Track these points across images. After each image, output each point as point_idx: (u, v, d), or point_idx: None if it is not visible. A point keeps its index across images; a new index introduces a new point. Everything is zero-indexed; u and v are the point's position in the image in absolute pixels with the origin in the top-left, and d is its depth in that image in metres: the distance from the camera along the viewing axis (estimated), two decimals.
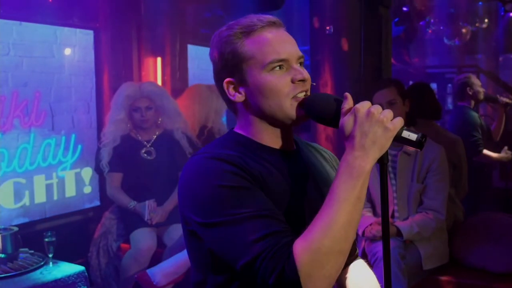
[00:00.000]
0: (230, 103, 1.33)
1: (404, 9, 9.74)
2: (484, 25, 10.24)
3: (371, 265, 2.71)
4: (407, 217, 2.86)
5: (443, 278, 2.85)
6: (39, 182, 3.66)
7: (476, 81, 4.62)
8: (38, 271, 2.87)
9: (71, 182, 3.86)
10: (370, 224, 2.83)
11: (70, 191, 3.86)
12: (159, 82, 4.36)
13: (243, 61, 1.27)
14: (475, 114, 4.52)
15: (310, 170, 1.37)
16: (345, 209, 1.10)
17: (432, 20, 10.38)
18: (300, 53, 1.30)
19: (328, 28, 3.02)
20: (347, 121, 1.16)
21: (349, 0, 3.14)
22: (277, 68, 1.26)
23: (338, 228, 1.09)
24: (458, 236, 3.11)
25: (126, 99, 3.47)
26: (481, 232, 3.05)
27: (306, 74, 1.28)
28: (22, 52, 3.51)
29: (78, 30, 3.87)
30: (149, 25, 4.28)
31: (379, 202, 2.98)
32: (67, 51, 3.83)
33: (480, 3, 9.96)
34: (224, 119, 4.23)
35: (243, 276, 1.16)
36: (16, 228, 3.05)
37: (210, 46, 1.34)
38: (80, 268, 2.99)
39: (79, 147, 3.90)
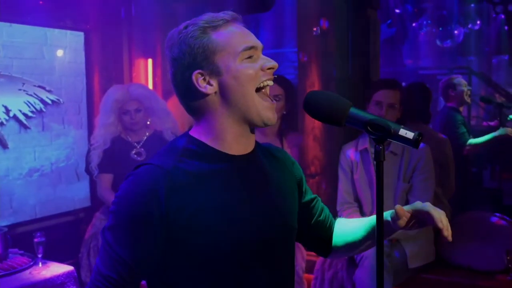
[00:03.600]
0: (193, 100, 1.32)
1: (397, 11, 9.81)
2: (477, 27, 10.32)
3: (357, 264, 2.74)
4: None
5: (429, 276, 2.89)
6: (30, 183, 3.68)
7: (460, 83, 4.66)
8: (27, 271, 2.90)
9: (62, 183, 3.88)
10: None
11: (61, 192, 3.87)
12: (150, 83, 4.38)
13: (214, 53, 1.28)
14: (456, 114, 4.56)
15: (262, 176, 1.38)
16: None
17: (424, 22, 10.46)
18: (262, 45, 1.36)
19: (315, 29, 3.05)
20: None
21: (335, 2, 3.17)
22: (249, 57, 1.30)
23: None
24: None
25: (115, 103, 3.48)
26: (468, 231, 3.09)
27: (274, 62, 1.33)
28: (12, 54, 3.52)
29: (68, 31, 3.87)
30: (140, 27, 4.30)
31: (366, 202, 3.02)
32: (58, 53, 3.84)
33: (472, 5, 10.04)
34: None
35: None
36: (5, 229, 3.07)
37: (169, 45, 1.33)
38: (69, 268, 3.02)
39: (70, 148, 3.92)
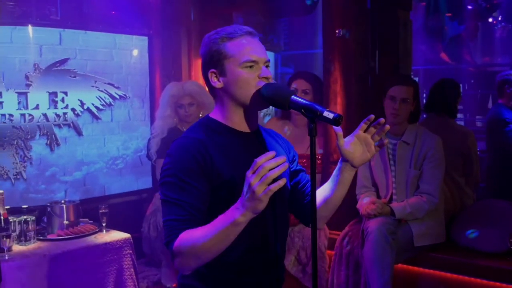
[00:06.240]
0: (212, 90, 1.75)
1: (469, 7, 9.66)
2: None
3: (365, 238, 3.07)
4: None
5: (435, 255, 3.14)
6: (101, 165, 4.33)
7: None
8: (92, 236, 3.45)
9: (127, 166, 4.50)
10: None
11: (127, 174, 4.50)
12: None
13: (224, 58, 1.68)
14: (504, 112, 4.59)
15: (265, 148, 1.78)
16: (211, 240, 1.48)
17: (500, 18, 10.19)
18: (267, 58, 1.73)
19: (337, 31, 3.39)
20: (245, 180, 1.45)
21: (358, 6, 3.49)
22: (249, 67, 1.68)
23: (201, 248, 1.50)
24: (459, 220, 3.37)
25: (171, 98, 3.99)
26: (479, 216, 3.29)
27: (269, 73, 1.71)
28: (86, 56, 4.16)
29: (134, 36, 4.48)
30: (199, 31, 4.82)
31: (381, 186, 3.32)
32: (125, 55, 4.46)
33: None
34: (261, 114, 4.69)
35: None
36: (78, 201, 3.70)
37: (201, 44, 1.75)
38: (127, 235, 3.56)
39: (134, 137, 4.54)
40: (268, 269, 1.73)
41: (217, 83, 1.70)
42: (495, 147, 4.65)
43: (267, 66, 1.71)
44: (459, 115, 8.21)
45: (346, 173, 1.71)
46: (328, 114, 1.58)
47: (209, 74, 1.70)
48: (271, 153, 1.41)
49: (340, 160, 1.71)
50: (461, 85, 8.62)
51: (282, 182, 1.39)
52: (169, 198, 1.57)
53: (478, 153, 5.95)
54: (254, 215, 1.45)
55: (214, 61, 1.69)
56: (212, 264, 1.60)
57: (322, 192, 1.81)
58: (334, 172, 1.75)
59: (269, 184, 1.39)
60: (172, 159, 1.61)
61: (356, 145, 1.68)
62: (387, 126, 1.65)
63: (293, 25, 6.42)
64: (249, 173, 1.42)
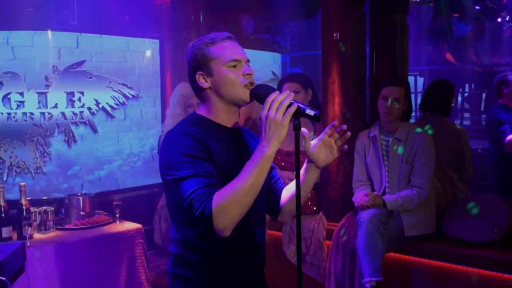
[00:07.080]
0: (199, 91, 1.92)
1: (477, 7, 9.77)
2: None
3: (358, 228, 3.29)
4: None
5: (424, 244, 3.34)
6: (115, 161, 4.59)
7: None
8: (106, 226, 3.70)
9: (140, 162, 4.76)
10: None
11: (139, 169, 4.75)
12: None
13: (210, 60, 1.85)
14: (501, 112, 4.73)
15: (247, 144, 1.97)
16: (248, 180, 1.62)
17: (507, 18, 10.27)
18: (247, 58, 1.91)
19: (335, 35, 3.60)
20: (260, 123, 1.67)
21: (356, 10, 3.70)
22: (233, 66, 1.86)
23: (240, 191, 1.61)
24: (450, 212, 3.56)
25: (180, 97, 4.22)
26: (467, 209, 3.48)
27: (251, 70, 1.90)
28: (101, 58, 4.42)
29: (146, 39, 4.74)
30: (208, 33, 5.06)
31: (376, 180, 3.52)
32: (137, 57, 4.71)
33: None
34: None
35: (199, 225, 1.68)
36: (93, 194, 3.95)
37: (186, 52, 1.93)
38: (138, 225, 3.80)
39: (146, 134, 4.80)
40: (252, 255, 1.91)
41: (205, 83, 1.87)
42: (493, 146, 4.82)
43: (248, 65, 1.90)
44: (465, 114, 8.39)
45: (311, 173, 1.90)
46: (309, 112, 1.79)
47: (197, 76, 1.87)
48: (276, 92, 1.67)
49: (306, 161, 1.90)
50: (467, 85, 8.76)
51: (294, 107, 1.65)
52: (186, 174, 1.65)
53: (480, 151, 6.15)
54: (279, 145, 1.64)
55: (200, 64, 1.86)
56: (200, 251, 1.78)
57: (289, 189, 2.02)
58: (300, 172, 1.91)
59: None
60: (173, 145, 1.71)
61: (321, 148, 1.86)
62: (349, 133, 1.85)
63: (301, 27, 6.61)
64: (263, 112, 1.64)
